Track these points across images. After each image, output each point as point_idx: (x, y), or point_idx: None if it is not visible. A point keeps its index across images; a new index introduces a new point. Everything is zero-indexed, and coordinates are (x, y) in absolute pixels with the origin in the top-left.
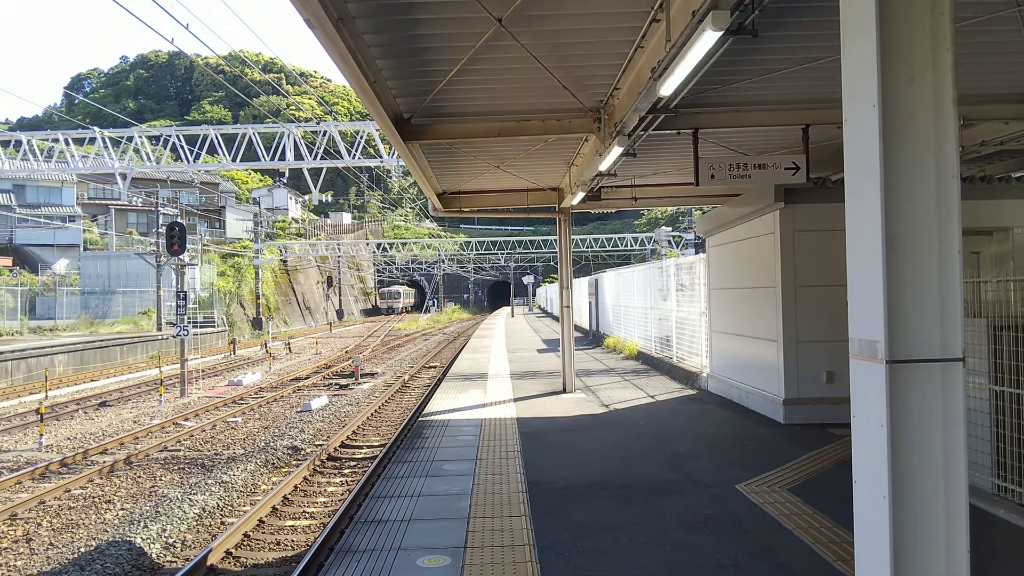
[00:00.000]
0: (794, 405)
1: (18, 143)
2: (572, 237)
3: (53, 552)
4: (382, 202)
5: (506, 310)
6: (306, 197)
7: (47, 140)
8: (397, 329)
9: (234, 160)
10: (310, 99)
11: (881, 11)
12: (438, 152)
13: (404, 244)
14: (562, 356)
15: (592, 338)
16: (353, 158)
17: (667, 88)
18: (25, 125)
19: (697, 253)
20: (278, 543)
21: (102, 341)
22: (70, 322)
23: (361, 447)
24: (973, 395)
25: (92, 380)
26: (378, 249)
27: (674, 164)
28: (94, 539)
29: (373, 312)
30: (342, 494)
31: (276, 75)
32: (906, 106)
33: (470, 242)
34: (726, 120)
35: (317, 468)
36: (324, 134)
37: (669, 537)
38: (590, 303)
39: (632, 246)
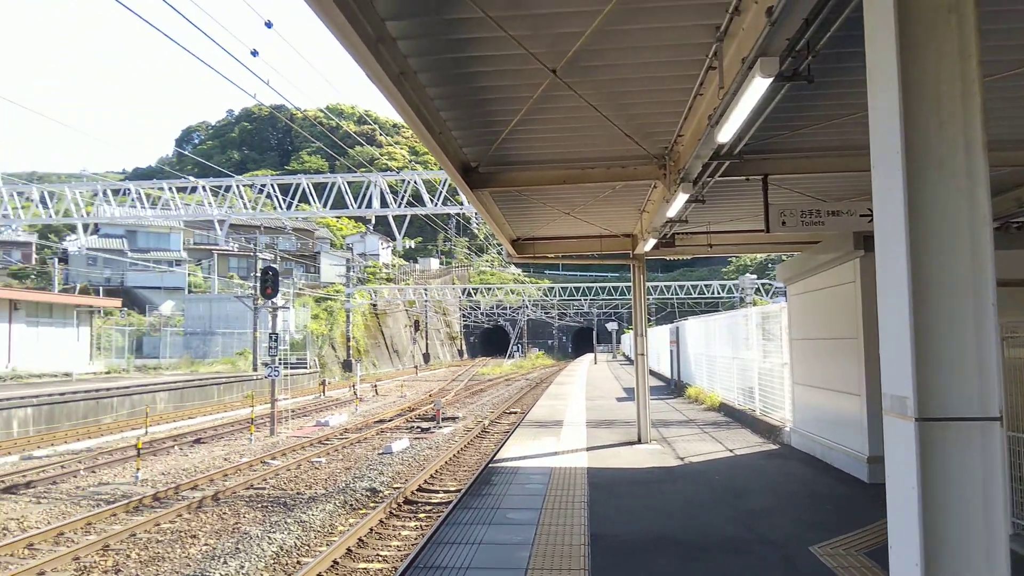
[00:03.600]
0: (879, 463)
1: (127, 191)
2: (648, 284)
3: None
4: (468, 248)
5: (590, 356)
6: (395, 243)
7: (154, 189)
8: (481, 374)
9: (325, 207)
10: (402, 149)
11: (903, 54)
12: (508, 199)
13: (488, 289)
14: (637, 406)
15: (673, 387)
16: (436, 205)
17: (724, 135)
18: (140, 175)
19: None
20: None
21: (200, 380)
22: (173, 361)
23: (438, 491)
24: None
25: (190, 417)
26: (464, 294)
27: (748, 211)
28: (176, 572)
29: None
30: (415, 538)
31: (370, 127)
32: (934, 151)
33: (553, 288)
34: (795, 166)
35: (393, 511)
36: (408, 182)
37: None
38: (671, 351)
39: (719, 293)
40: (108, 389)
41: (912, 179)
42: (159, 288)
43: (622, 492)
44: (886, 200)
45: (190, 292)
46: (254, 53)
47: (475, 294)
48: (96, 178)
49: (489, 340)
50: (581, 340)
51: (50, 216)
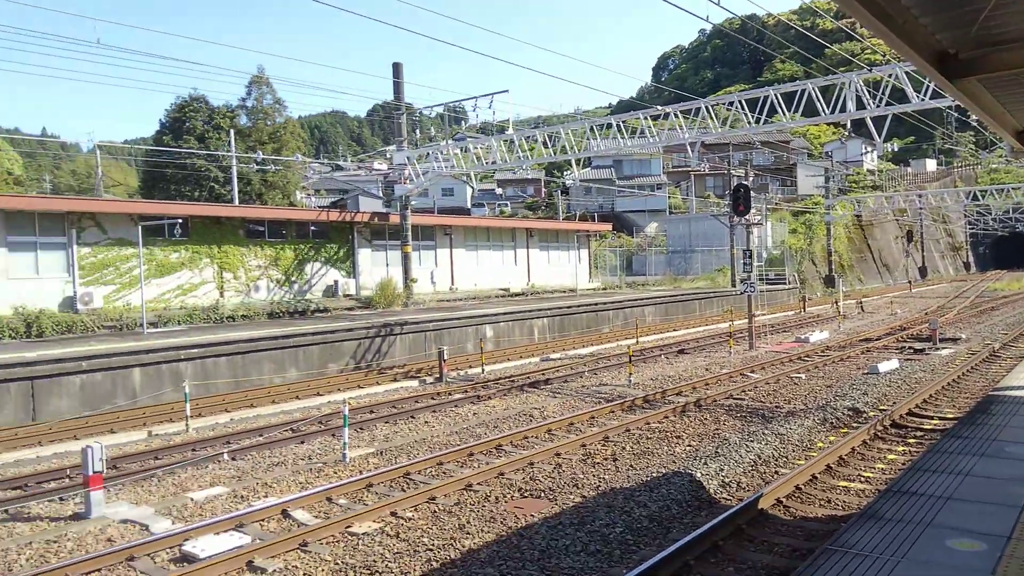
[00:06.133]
0: None
1: (609, 125)
2: None
3: (631, 472)
4: (973, 144)
5: None
6: (876, 146)
7: (632, 119)
8: (991, 290)
9: (795, 116)
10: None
11: None
12: (1005, 84)
13: (1001, 190)
14: None
15: None
16: (923, 99)
17: None
18: (623, 107)
19: None
20: (829, 500)
21: (682, 295)
22: (657, 278)
23: (931, 417)
24: None
25: (673, 330)
26: (968, 198)
27: None
28: (663, 467)
29: None
30: (903, 463)
31: (849, 19)
32: None
33: None
34: None
35: (878, 433)
36: (889, 78)
37: None
38: None
39: None
40: (604, 303)
41: None
42: (643, 211)
43: None
44: None
45: (670, 213)
46: None
47: (983, 197)
48: (587, 115)
49: (1003, 250)
50: None
51: (549, 155)
